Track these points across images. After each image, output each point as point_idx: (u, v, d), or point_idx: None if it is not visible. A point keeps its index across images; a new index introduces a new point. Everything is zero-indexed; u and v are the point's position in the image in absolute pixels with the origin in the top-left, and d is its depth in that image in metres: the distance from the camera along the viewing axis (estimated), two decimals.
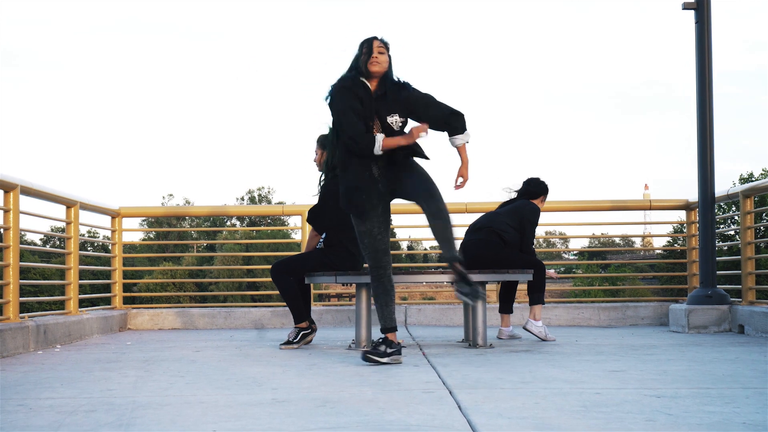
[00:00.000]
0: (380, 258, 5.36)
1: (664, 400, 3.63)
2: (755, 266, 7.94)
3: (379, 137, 5.20)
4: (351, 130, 5.24)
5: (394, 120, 5.31)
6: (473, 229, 7.17)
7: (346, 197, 5.35)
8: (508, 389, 4.01)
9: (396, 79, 5.40)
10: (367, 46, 5.32)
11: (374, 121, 5.30)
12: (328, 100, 5.39)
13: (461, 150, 5.44)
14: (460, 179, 5.44)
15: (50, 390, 4.23)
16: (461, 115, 5.42)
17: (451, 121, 5.38)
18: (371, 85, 5.33)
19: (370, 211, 5.33)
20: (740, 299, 7.86)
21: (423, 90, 5.45)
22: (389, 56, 5.37)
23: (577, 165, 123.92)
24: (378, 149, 5.18)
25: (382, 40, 5.37)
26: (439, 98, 5.44)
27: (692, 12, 7.85)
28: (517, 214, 7.07)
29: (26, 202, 6.95)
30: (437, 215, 5.23)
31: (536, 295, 7.00)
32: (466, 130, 5.42)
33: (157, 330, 8.88)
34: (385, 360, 5.10)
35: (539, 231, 7.67)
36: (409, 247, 41.36)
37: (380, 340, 5.20)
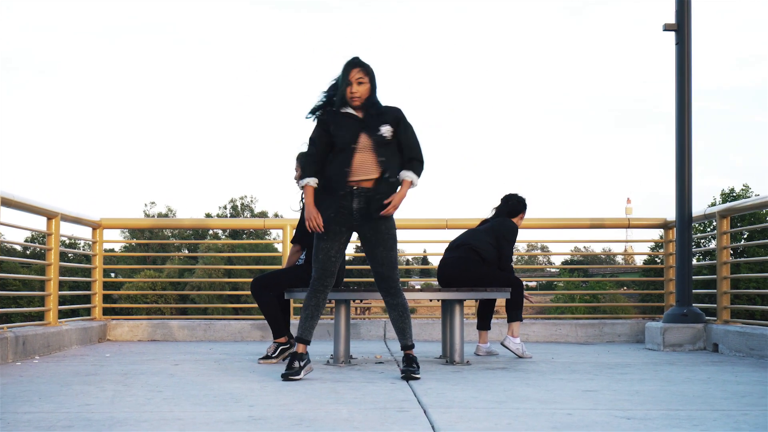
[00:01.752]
0: (326, 278, 5.45)
1: (633, 422, 3.69)
2: (730, 286, 8.03)
3: (306, 182, 5.39)
4: (305, 158, 5.48)
5: (385, 129, 5.38)
6: (452, 247, 7.23)
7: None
8: (482, 409, 4.07)
9: (378, 103, 5.46)
10: (345, 77, 5.37)
11: (357, 142, 5.37)
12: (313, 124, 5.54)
13: (404, 184, 5.43)
14: (390, 204, 5.40)
15: (28, 404, 4.26)
16: (422, 164, 5.49)
17: (413, 164, 5.45)
18: (356, 112, 5.42)
19: (335, 234, 5.42)
20: (715, 318, 7.95)
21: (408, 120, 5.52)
22: (371, 81, 5.41)
23: (561, 178, 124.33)
24: (297, 179, 5.47)
25: (362, 67, 5.40)
26: (416, 138, 5.50)
27: (673, 33, 7.96)
28: (495, 232, 7.14)
29: (6, 214, 6.98)
30: (394, 307, 5.46)
31: (514, 312, 7.07)
32: (418, 176, 5.46)
33: (136, 341, 8.89)
34: (301, 375, 5.26)
35: (521, 245, 7.76)
36: None
37: (292, 356, 5.34)
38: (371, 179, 5.37)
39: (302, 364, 5.29)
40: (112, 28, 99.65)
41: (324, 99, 5.49)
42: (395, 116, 5.43)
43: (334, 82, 5.48)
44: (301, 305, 5.94)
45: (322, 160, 5.43)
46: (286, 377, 5.22)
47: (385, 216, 5.39)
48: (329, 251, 5.42)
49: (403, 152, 5.44)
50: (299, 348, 5.36)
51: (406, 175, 5.41)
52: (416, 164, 5.44)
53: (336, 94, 5.41)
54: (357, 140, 5.35)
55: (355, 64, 5.39)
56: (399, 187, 5.42)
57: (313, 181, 5.40)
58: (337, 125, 5.38)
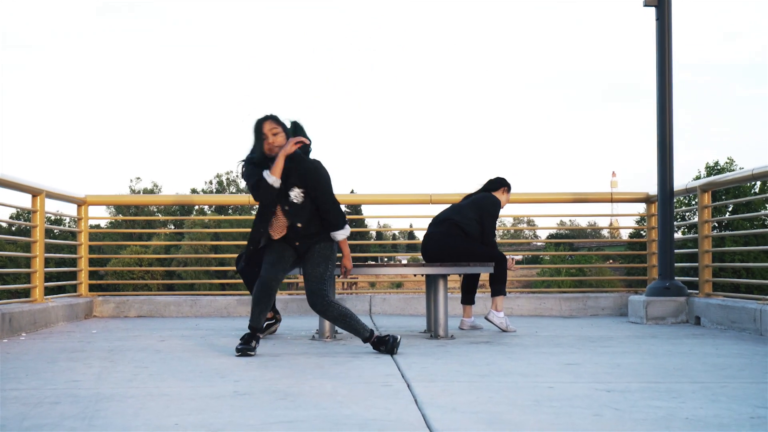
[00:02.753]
0: (271, 286, 5.57)
1: (613, 394, 3.76)
2: (712, 259, 8.11)
3: (266, 173, 5.45)
4: (254, 182, 5.53)
5: (295, 194, 5.52)
6: (436, 222, 7.27)
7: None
8: (464, 382, 4.13)
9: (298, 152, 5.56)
10: (257, 132, 5.52)
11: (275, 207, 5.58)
12: (244, 177, 5.67)
13: (342, 244, 5.69)
14: (345, 269, 5.82)
15: (15, 381, 4.29)
16: (336, 218, 5.59)
17: (329, 220, 5.57)
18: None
19: (274, 253, 5.59)
20: (697, 291, 8.03)
21: (317, 166, 5.59)
22: (285, 130, 5.54)
23: (548, 153, 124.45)
24: (270, 179, 5.42)
25: (272, 119, 5.53)
26: (325, 189, 5.58)
27: (653, 9, 7.99)
28: (477, 207, 7.19)
29: None
30: (331, 320, 5.56)
31: (497, 287, 7.12)
32: (341, 227, 5.60)
33: (122, 318, 8.93)
34: (255, 352, 5.39)
35: (507, 220, 7.81)
36: (378, 235, 41.50)
37: (248, 335, 5.46)
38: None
39: (255, 344, 5.43)
40: (99, 4, 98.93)
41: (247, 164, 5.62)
42: (305, 180, 5.53)
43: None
44: (290, 279, 6.03)
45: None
46: (243, 353, 5.32)
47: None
48: (272, 262, 5.61)
49: (319, 202, 5.57)
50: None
51: (338, 236, 5.62)
52: (332, 219, 5.59)
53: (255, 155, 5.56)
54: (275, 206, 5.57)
55: (265, 119, 5.53)
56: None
57: (266, 172, 5.48)
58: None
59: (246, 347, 5.34)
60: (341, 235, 5.61)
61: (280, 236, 5.57)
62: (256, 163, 5.54)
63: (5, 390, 4.00)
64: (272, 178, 5.42)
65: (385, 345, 5.41)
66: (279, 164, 5.42)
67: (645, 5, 7.93)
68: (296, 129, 5.64)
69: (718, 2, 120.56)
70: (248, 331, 5.48)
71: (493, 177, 7.51)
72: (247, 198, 10.58)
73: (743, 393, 3.82)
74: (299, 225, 5.53)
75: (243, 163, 5.65)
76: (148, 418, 3.30)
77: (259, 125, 5.52)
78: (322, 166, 5.60)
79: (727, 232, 8.20)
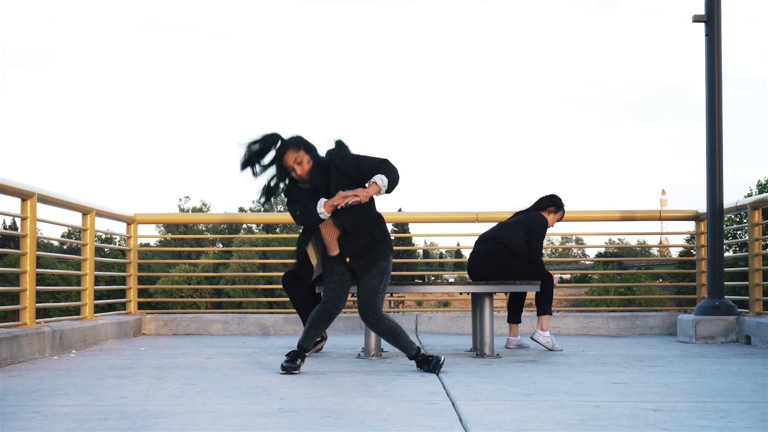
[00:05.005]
0: (333, 314, 5.55)
1: (660, 414, 3.72)
2: (762, 278, 8.00)
3: (321, 207, 5.31)
4: (299, 212, 5.39)
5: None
6: (482, 240, 7.26)
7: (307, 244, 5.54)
8: (509, 401, 4.11)
9: (321, 163, 5.42)
10: (279, 166, 5.34)
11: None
12: (284, 199, 5.55)
13: (372, 185, 5.28)
14: (353, 195, 5.26)
15: (65, 397, 4.35)
16: (390, 165, 5.39)
17: (383, 171, 5.33)
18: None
19: (335, 278, 5.49)
20: (748, 310, 7.92)
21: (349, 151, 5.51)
22: (308, 151, 5.35)
23: (595, 170, 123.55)
24: (321, 210, 5.30)
25: (293, 148, 5.32)
26: (364, 153, 5.47)
27: (702, 24, 7.93)
28: (524, 225, 7.17)
29: (43, 210, 7.09)
30: (381, 334, 5.53)
31: (543, 306, 7.09)
32: (390, 178, 5.31)
33: (171, 335, 9.01)
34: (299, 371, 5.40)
35: (555, 238, 7.78)
36: (425, 254, 41.47)
37: (295, 353, 5.44)
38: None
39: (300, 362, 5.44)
40: (145, 23, 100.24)
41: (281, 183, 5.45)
42: (342, 178, 5.39)
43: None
44: None
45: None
46: (288, 370, 5.33)
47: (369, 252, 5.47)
48: (333, 269, 5.52)
49: (366, 167, 5.38)
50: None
51: (377, 179, 5.29)
52: (385, 168, 5.35)
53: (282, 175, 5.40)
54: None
55: (285, 150, 5.33)
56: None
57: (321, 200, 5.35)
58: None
59: (291, 365, 5.35)
60: (383, 182, 5.25)
61: (336, 252, 5.44)
62: (288, 193, 5.43)
63: (55, 406, 4.06)
64: (324, 212, 5.31)
65: (428, 364, 5.39)
66: (335, 202, 5.27)
67: (694, 21, 7.88)
68: (340, 148, 5.61)
69: None
70: (295, 348, 5.50)
71: (545, 195, 7.47)
72: None
73: None
74: (349, 229, 5.41)
75: (265, 195, 5.46)
76: None
77: (281, 157, 5.33)
78: (339, 154, 5.45)
79: None
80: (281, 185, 5.44)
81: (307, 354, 6.45)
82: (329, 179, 5.37)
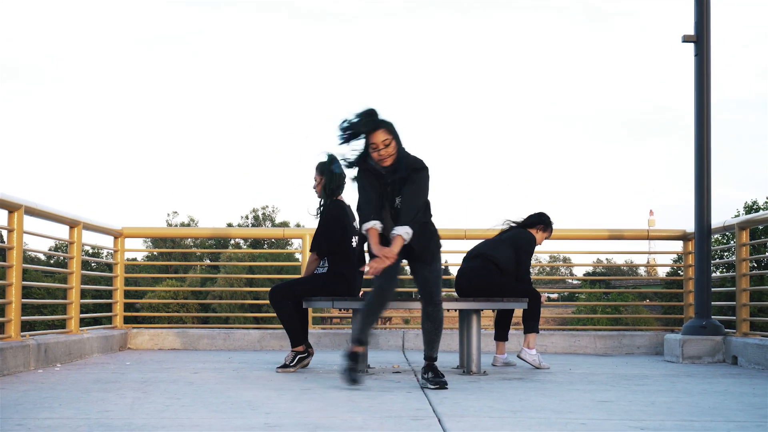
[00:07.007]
0: (389, 298, 5.55)
1: None
2: (750, 298, 8.01)
3: (371, 225, 5.33)
4: (359, 204, 5.46)
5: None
6: (470, 257, 7.26)
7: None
8: (496, 418, 4.10)
9: (405, 159, 5.41)
10: (367, 144, 5.34)
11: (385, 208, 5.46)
12: (353, 177, 5.55)
13: (397, 241, 5.28)
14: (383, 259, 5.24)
15: (49, 410, 4.32)
16: (420, 212, 5.41)
17: (411, 219, 5.34)
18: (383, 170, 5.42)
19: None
20: (735, 330, 7.93)
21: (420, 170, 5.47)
22: (396, 138, 5.36)
23: (582, 189, 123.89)
24: (364, 231, 5.37)
25: (387, 129, 5.33)
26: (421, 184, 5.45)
27: (692, 45, 7.96)
28: (513, 243, 7.17)
29: (30, 222, 7.05)
30: (430, 318, 5.59)
31: (530, 324, 7.08)
32: (408, 224, 5.31)
33: (157, 350, 8.96)
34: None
35: (543, 257, 7.78)
36: None
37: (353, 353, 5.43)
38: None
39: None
40: (137, 36, 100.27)
41: (358, 155, 5.46)
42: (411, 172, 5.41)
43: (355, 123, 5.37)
44: (318, 314, 5.98)
45: (377, 205, 5.43)
46: (350, 380, 5.34)
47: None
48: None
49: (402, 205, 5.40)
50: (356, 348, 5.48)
51: (399, 230, 5.30)
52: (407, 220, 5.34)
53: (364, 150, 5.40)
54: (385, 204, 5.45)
55: (377, 128, 5.31)
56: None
57: (378, 225, 5.38)
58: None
59: (353, 374, 5.34)
60: (406, 233, 5.28)
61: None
62: (361, 175, 5.44)
63: (39, 419, 4.03)
64: (370, 238, 5.33)
65: (436, 376, 5.40)
66: (373, 242, 5.31)
67: (684, 41, 7.91)
68: (332, 161, 5.61)
69: (760, 39, 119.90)
70: (352, 346, 5.45)
71: (534, 212, 7.46)
72: (281, 231, 10.64)
73: None
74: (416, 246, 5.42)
75: (347, 163, 5.49)
76: None
77: (369, 135, 5.30)
78: (425, 170, 5.45)
79: (766, 271, 8.08)
80: (358, 159, 5.44)
81: (292, 370, 6.44)
82: (395, 184, 5.40)
